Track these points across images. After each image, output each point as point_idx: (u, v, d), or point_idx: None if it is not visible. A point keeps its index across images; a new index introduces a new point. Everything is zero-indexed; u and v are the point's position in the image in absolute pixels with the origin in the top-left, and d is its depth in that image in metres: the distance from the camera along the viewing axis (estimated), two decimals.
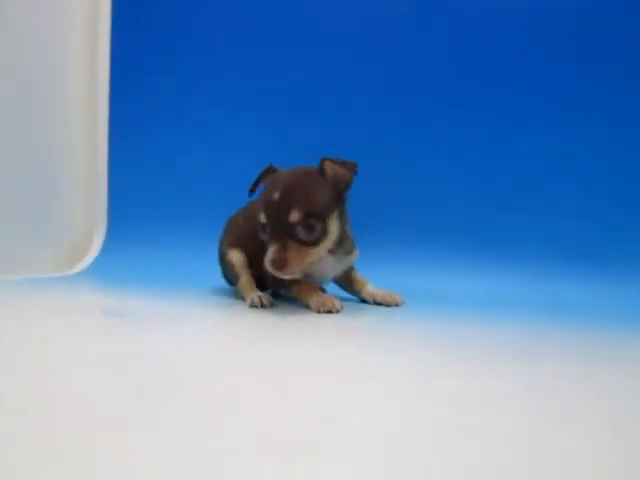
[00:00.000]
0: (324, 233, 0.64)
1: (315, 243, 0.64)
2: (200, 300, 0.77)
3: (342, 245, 0.70)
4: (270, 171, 0.70)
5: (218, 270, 0.84)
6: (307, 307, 0.68)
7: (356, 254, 0.75)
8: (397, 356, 0.46)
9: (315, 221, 0.62)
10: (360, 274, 0.78)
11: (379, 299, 0.75)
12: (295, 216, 0.61)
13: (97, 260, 1.20)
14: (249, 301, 0.71)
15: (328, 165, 0.66)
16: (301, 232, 0.62)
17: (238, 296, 0.77)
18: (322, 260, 0.69)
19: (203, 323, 0.62)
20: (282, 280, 0.67)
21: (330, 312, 0.65)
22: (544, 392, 0.36)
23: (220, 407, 0.31)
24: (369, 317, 0.67)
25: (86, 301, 0.81)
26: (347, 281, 0.78)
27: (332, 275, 0.75)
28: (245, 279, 0.77)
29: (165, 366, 0.40)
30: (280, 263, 0.61)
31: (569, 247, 0.97)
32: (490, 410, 0.31)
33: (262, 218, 0.64)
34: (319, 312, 0.65)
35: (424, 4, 1.10)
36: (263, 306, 0.70)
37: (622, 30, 0.98)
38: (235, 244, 0.80)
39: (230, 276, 0.81)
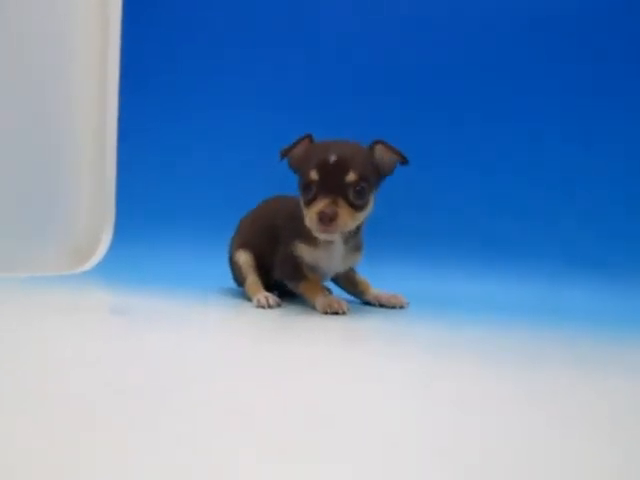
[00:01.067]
0: (367, 203, 0.66)
1: (360, 208, 0.65)
2: (206, 300, 0.78)
3: (355, 237, 0.71)
4: (308, 139, 0.69)
5: (225, 270, 0.85)
6: (313, 307, 0.69)
7: (362, 254, 0.76)
8: (401, 359, 0.46)
9: (366, 186, 0.64)
10: (363, 276, 0.79)
11: (384, 301, 0.75)
12: (351, 177, 0.63)
13: (104, 259, 1.21)
14: (255, 301, 0.71)
15: (379, 147, 0.68)
16: (352, 194, 0.63)
17: (245, 297, 0.77)
18: (333, 250, 0.71)
19: (208, 323, 0.62)
20: (290, 273, 0.69)
21: (337, 313, 0.65)
22: (545, 396, 0.36)
23: (221, 406, 0.31)
24: (375, 319, 0.67)
25: (92, 300, 0.81)
26: (350, 283, 0.79)
27: (337, 270, 0.76)
28: (252, 279, 0.77)
29: (168, 365, 0.40)
30: (331, 215, 0.61)
31: (574, 253, 0.96)
32: (491, 413, 0.32)
33: (313, 175, 0.63)
34: (325, 313, 0.66)
35: (435, 5, 1.10)
36: (270, 306, 0.70)
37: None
38: (244, 245, 0.81)
39: (237, 277, 0.81)
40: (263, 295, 0.72)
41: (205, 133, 1.26)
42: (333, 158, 0.63)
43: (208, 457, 0.24)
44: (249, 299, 0.74)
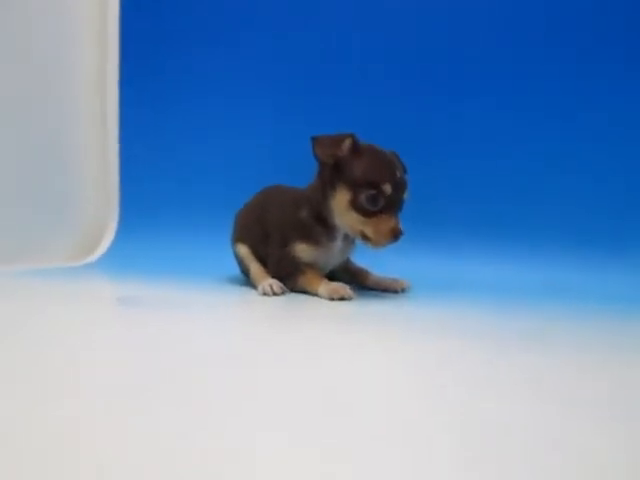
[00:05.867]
0: None
1: None
2: (211, 289, 0.78)
3: None
4: (351, 139, 0.67)
5: (230, 259, 0.85)
6: (316, 296, 0.69)
7: (355, 245, 0.77)
8: (413, 342, 0.47)
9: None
10: (359, 265, 0.81)
11: (386, 285, 0.76)
12: (406, 194, 0.68)
13: (109, 250, 1.21)
14: (260, 289, 0.72)
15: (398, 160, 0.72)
16: (400, 209, 0.68)
17: (251, 285, 0.77)
18: (334, 247, 0.73)
19: (213, 312, 0.62)
20: (287, 271, 0.72)
21: (343, 299, 0.66)
22: (556, 379, 0.36)
23: (232, 392, 0.31)
24: (382, 303, 0.67)
25: (98, 291, 0.82)
26: (349, 273, 0.80)
27: (333, 264, 0.77)
28: (255, 267, 0.78)
29: (176, 353, 0.41)
30: (400, 233, 0.65)
31: (583, 236, 0.97)
32: (502, 397, 0.32)
33: (387, 189, 0.65)
34: (332, 299, 0.66)
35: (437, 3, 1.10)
36: (274, 294, 0.70)
37: None
38: (240, 238, 0.83)
39: (242, 268, 0.83)
40: (267, 283, 0.72)
41: (208, 124, 1.26)
42: (399, 174, 0.67)
43: (222, 442, 0.24)
44: (255, 287, 0.75)
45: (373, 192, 0.65)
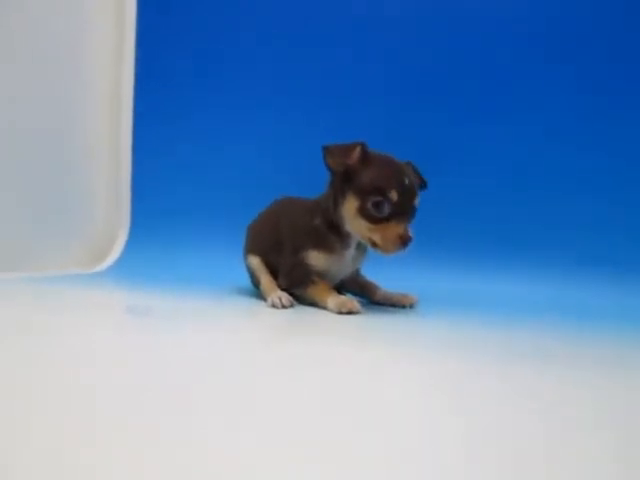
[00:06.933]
0: None
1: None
2: (221, 299, 0.78)
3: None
4: (361, 148, 0.68)
5: (240, 270, 0.86)
6: (324, 308, 0.69)
7: (366, 254, 0.77)
8: (420, 358, 0.46)
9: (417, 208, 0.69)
10: (369, 278, 0.80)
11: (394, 301, 0.76)
12: (417, 201, 0.68)
13: (120, 259, 1.22)
14: (269, 301, 0.72)
15: (410, 169, 0.71)
16: (411, 216, 0.68)
17: (261, 297, 0.78)
18: (347, 255, 0.73)
19: (221, 322, 0.62)
20: (298, 280, 0.72)
21: (351, 313, 0.65)
22: (559, 396, 0.36)
23: (236, 404, 0.31)
24: (389, 318, 0.67)
25: (108, 299, 0.82)
26: (358, 286, 0.80)
27: (345, 273, 0.77)
28: (266, 279, 0.78)
29: (183, 363, 0.41)
30: (410, 240, 0.65)
31: (592, 255, 0.97)
32: (506, 413, 0.32)
33: (394, 196, 0.65)
34: (340, 313, 0.66)
35: (449, 6, 1.10)
36: (283, 306, 0.70)
37: None
38: (252, 250, 0.83)
39: (253, 279, 0.83)
40: (277, 295, 0.72)
41: (221, 134, 1.27)
42: (407, 181, 0.67)
43: (223, 453, 0.24)
44: (265, 299, 0.75)
45: (379, 199, 0.65)
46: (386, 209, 0.65)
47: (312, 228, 0.73)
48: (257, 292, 0.80)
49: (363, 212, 0.66)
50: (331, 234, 0.72)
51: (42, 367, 0.38)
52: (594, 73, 1.01)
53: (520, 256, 1.01)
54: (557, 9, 1.04)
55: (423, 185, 0.73)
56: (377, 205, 0.65)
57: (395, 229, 0.65)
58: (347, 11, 1.17)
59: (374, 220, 0.66)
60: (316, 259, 0.72)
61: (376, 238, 0.66)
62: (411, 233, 0.65)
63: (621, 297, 0.86)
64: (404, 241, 0.64)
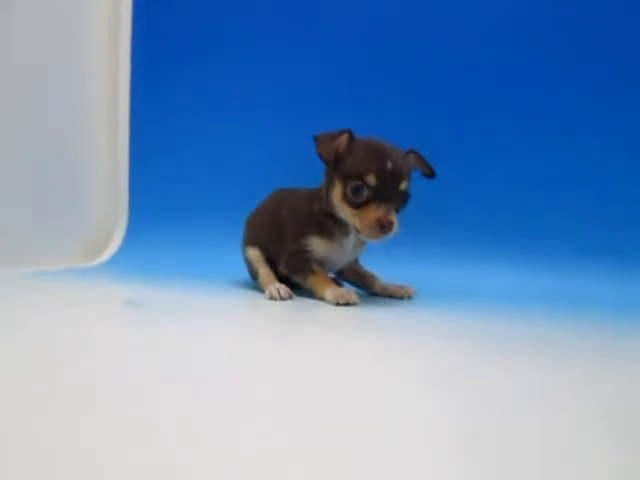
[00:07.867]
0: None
1: (399, 212, 0.67)
2: (218, 292, 0.78)
3: None
4: (348, 134, 0.69)
5: (238, 263, 0.86)
6: (322, 299, 0.69)
7: (366, 244, 0.77)
8: (418, 350, 0.46)
9: (409, 193, 0.68)
10: (368, 269, 0.80)
11: (392, 292, 0.76)
12: (404, 185, 0.66)
13: (118, 252, 1.22)
14: (267, 293, 0.72)
15: (413, 157, 0.71)
16: (399, 200, 0.67)
17: (259, 289, 0.78)
18: (348, 242, 0.73)
19: (219, 315, 0.62)
20: (298, 267, 0.72)
21: (348, 304, 0.66)
22: (562, 387, 0.36)
23: (235, 397, 0.31)
24: (387, 309, 0.67)
25: (106, 292, 0.82)
26: (357, 276, 0.80)
27: (346, 261, 0.77)
28: (264, 271, 0.78)
29: (181, 357, 0.41)
30: (389, 225, 0.63)
31: (589, 244, 0.97)
32: (508, 406, 0.32)
33: (371, 180, 0.64)
34: (338, 304, 0.66)
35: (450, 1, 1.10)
36: (281, 298, 0.70)
37: None
38: (251, 241, 0.83)
39: (251, 271, 0.83)
40: (275, 287, 0.72)
41: (219, 127, 1.27)
42: (390, 165, 0.65)
43: (223, 445, 0.24)
44: (263, 292, 0.75)
45: (358, 183, 0.65)
46: (364, 194, 0.65)
47: (312, 215, 0.73)
48: (255, 285, 0.80)
49: (345, 197, 0.66)
50: (330, 221, 0.72)
51: (41, 361, 0.38)
52: (594, 65, 1.01)
53: (520, 246, 1.01)
54: (557, 7, 1.04)
55: (431, 174, 0.72)
56: (356, 190, 0.65)
57: (372, 213, 0.64)
58: (347, 6, 1.17)
59: (354, 205, 0.66)
60: (317, 245, 0.72)
61: (356, 223, 0.66)
62: (392, 217, 0.64)
63: (622, 287, 0.86)
64: (382, 225, 0.63)
